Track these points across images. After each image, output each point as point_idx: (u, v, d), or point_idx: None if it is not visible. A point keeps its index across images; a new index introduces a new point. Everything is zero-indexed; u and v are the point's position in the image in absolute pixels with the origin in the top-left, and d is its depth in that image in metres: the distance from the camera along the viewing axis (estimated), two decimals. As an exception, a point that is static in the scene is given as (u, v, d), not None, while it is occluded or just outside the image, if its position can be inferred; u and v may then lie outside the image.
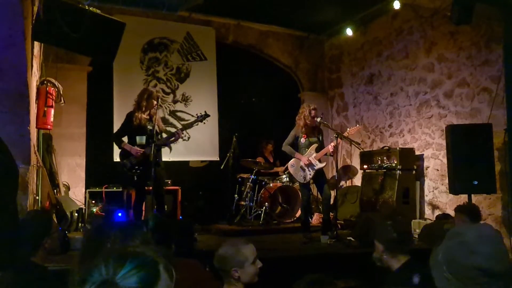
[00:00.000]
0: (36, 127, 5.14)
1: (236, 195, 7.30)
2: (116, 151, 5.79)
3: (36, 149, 5.14)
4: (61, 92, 5.62)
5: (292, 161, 6.05)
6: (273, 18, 8.41)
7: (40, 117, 5.13)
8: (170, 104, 7.91)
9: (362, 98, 8.52)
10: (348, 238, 5.58)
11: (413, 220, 6.27)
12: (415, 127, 7.32)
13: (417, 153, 7.12)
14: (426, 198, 7.00)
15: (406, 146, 7.26)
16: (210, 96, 8.17)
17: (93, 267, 1.06)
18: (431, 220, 6.37)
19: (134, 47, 7.56)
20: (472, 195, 5.60)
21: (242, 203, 7.22)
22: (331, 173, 8.31)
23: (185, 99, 8.04)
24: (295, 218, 7.12)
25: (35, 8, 4.44)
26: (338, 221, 6.14)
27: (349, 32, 8.13)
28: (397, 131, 7.68)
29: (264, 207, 6.99)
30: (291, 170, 6.08)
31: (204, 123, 5.77)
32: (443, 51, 6.82)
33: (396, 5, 6.76)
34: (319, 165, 5.88)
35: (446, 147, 5.90)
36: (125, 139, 5.54)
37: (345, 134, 5.92)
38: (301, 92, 9.33)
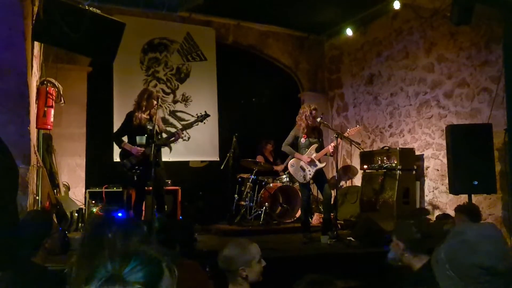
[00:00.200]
0: (36, 127, 5.14)
1: (236, 195, 7.30)
2: (116, 151, 5.79)
3: (36, 149, 5.14)
4: (61, 92, 5.62)
5: (292, 161, 6.05)
6: (273, 19, 8.41)
7: (40, 117, 5.13)
8: (170, 104, 7.91)
9: (362, 98, 8.52)
10: (348, 238, 5.58)
11: (413, 220, 6.27)
12: (415, 127, 7.32)
13: (417, 153, 7.12)
14: (426, 198, 7.00)
15: (406, 146, 7.26)
16: (210, 96, 8.16)
17: (98, 264, 1.08)
18: (431, 220, 6.37)
19: (134, 47, 7.55)
20: (472, 195, 5.61)
21: (242, 203, 7.21)
22: (331, 173, 8.31)
23: (185, 99, 8.04)
24: (295, 218, 7.11)
25: (35, 9, 4.44)
26: (338, 221, 6.14)
27: (349, 32, 8.13)
28: (397, 131, 7.68)
29: (264, 207, 6.98)
30: (291, 170, 6.08)
31: (204, 123, 5.77)
32: (443, 51, 6.83)
33: (396, 6, 6.76)
34: (319, 165, 5.88)
35: (446, 147, 5.91)
36: (125, 139, 5.54)
37: (345, 134, 5.92)
38: (301, 92, 9.33)
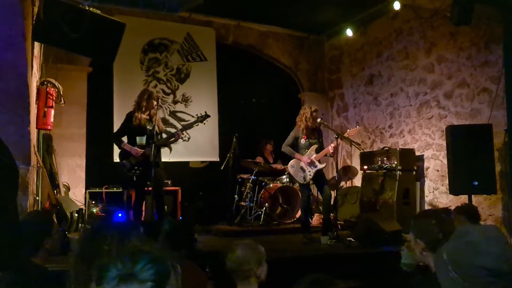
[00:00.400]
0: (36, 128, 5.14)
1: (236, 196, 7.29)
2: (116, 151, 5.79)
3: (36, 149, 5.14)
4: (61, 93, 5.62)
5: (292, 161, 6.05)
6: (273, 19, 8.41)
7: (40, 118, 5.13)
8: (170, 105, 7.91)
9: (362, 99, 8.52)
10: (348, 238, 5.57)
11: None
12: (415, 127, 7.32)
13: (417, 153, 7.12)
14: (426, 199, 7.00)
15: (406, 147, 7.26)
16: (210, 96, 8.16)
17: (107, 264, 1.11)
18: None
19: (134, 48, 7.55)
20: (473, 195, 5.61)
21: (242, 203, 7.21)
22: (331, 174, 8.31)
23: (185, 100, 8.04)
24: (295, 219, 7.11)
25: (35, 9, 4.44)
26: (338, 222, 6.13)
27: (349, 32, 8.13)
28: (397, 131, 7.68)
29: (264, 208, 6.98)
30: (291, 170, 6.07)
31: (204, 123, 5.78)
32: (443, 51, 6.83)
33: (396, 6, 6.76)
34: (319, 166, 5.89)
35: (446, 148, 5.91)
36: (125, 139, 5.54)
37: (345, 134, 5.91)
38: (301, 92, 9.33)
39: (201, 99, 8.05)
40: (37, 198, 4.97)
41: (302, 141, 5.96)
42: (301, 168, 5.92)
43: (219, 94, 8.22)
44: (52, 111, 5.33)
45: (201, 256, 4.11)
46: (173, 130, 5.86)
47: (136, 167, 5.36)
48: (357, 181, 7.76)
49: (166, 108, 7.82)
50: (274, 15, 8.15)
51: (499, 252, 1.29)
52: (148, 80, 7.76)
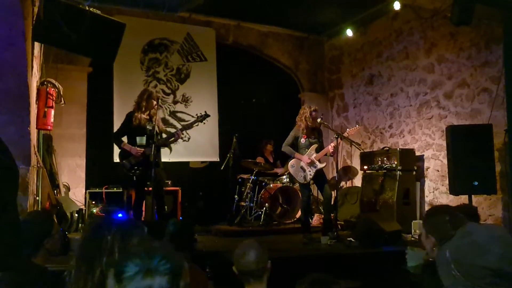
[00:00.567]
0: (37, 128, 5.14)
1: (236, 196, 7.29)
2: (116, 151, 5.79)
3: (36, 149, 5.14)
4: (61, 93, 5.62)
5: (292, 161, 6.05)
6: (273, 19, 8.41)
7: (40, 118, 5.13)
8: (170, 105, 7.91)
9: (362, 99, 8.52)
10: (348, 238, 5.58)
11: (413, 221, 6.28)
12: (415, 127, 7.32)
13: (417, 153, 7.12)
14: (427, 199, 7.00)
15: (406, 147, 7.26)
16: (210, 96, 8.16)
17: (123, 260, 1.17)
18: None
19: (134, 48, 7.55)
20: (473, 196, 5.60)
21: (242, 203, 7.21)
22: (331, 174, 8.31)
23: (185, 100, 8.04)
24: (295, 219, 7.10)
25: (35, 9, 4.44)
26: (338, 222, 6.13)
27: (349, 33, 8.13)
28: (397, 131, 7.68)
29: (264, 208, 6.98)
30: (291, 170, 6.07)
31: (204, 123, 5.78)
32: (443, 52, 6.83)
33: (396, 6, 6.76)
34: (320, 166, 5.89)
35: (447, 148, 5.91)
36: (125, 139, 5.54)
37: (345, 134, 5.91)
38: (301, 92, 9.33)
39: (201, 99, 8.05)
40: (37, 198, 4.97)
41: (302, 140, 5.96)
42: (301, 167, 5.92)
43: (219, 94, 8.22)
44: (52, 111, 5.33)
45: (201, 256, 4.12)
46: (173, 130, 5.85)
47: (136, 167, 5.37)
48: (357, 181, 7.76)
49: (166, 108, 7.82)
50: (274, 15, 8.15)
51: (503, 252, 1.28)
52: (148, 80, 7.76)
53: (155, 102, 5.47)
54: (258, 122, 8.45)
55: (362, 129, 8.05)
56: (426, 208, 6.97)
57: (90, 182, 7.04)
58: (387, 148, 7.15)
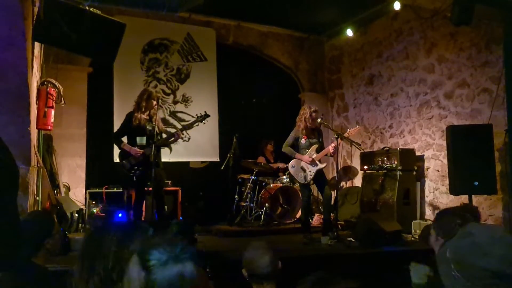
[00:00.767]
0: (37, 128, 5.14)
1: (236, 196, 7.29)
2: (116, 151, 5.79)
3: (36, 149, 5.14)
4: (62, 93, 5.62)
5: (292, 161, 6.05)
6: (273, 19, 8.41)
7: (40, 118, 5.13)
8: (170, 105, 7.91)
9: (363, 99, 8.52)
10: (348, 239, 5.58)
11: (413, 221, 6.28)
12: (415, 127, 7.32)
13: (417, 153, 7.12)
14: (427, 199, 7.00)
15: (407, 147, 7.26)
16: (210, 96, 8.16)
17: (148, 251, 1.22)
18: (432, 221, 6.35)
19: (134, 48, 7.56)
20: (473, 196, 5.60)
21: (243, 203, 7.21)
22: (331, 174, 8.31)
23: (185, 100, 8.04)
24: (295, 219, 7.10)
25: (36, 9, 4.44)
26: (338, 222, 6.13)
27: (349, 33, 8.13)
28: (398, 131, 7.68)
29: (264, 208, 6.98)
30: (291, 170, 6.07)
31: (204, 123, 5.77)
32: (443, 52, 6.83)
33: (396, 6, 6.76)
34: (320, 166, 5.89)
35: (447, 148, 5.91)
36: (125, 139, 5.54)
37: (346, 134, 5.91)
38: (301, 92, 9.33)
39: (201, 99, 8.05)
40: (38, 198, 4.97)
41: (303, 141, 5.96)
42: (302, 168, 5.92)
43: (219, 95, 8.22)
44: (53, 111, 5.33)
45: (201, 256, 4.11)
46: (173, 130, 5.86)
47: (136, 167, 5.37)
48: (358, 181, 7.76)
49: (166, 109, 7.82)
50: (274, 15, 8.15)
51: (503, 254, 1.27)
52: (148, 80, 7.76)
53: (155, 102, 5.47)
54: (258, 122, 8.45)
55: (362, 129, 8.04)
56: (427, 208, 6.97)
57: (90, 182, 7.04)
58: (387, 148, 7.15)
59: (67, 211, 5.89)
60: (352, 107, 8.81)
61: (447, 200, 6.61)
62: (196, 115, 5.76)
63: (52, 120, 5.35)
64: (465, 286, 1.29)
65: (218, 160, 7.82)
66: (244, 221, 7.03)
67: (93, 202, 6.71)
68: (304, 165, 5.90)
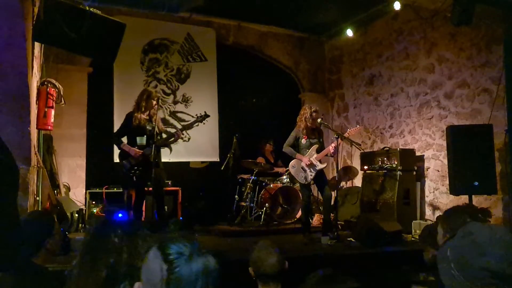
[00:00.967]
0: (37, 128, 5.14)
1: (236, 196, 7.29)
2: (117, 151, 5.80)
3: (36, 150, 5.14)
4: (62, 93, 5.62)
5: (293, 161, 6.05)
6: (273, 19, 8.41)
7: (40, 118, 5.13)
8: (170, 105, 7.92)
9: (363, 99, 8.52)
10: (348, 239, 5.58)
11: (413, 221, 6.28)
12: (415, 128, 7.32)
13: (417, 154, 7.12)
14: (427, 199, 7.00)
15: (407, 147, 7.26)
16: (210, 97, 8.17)
17: (167, 245, 1.25)
18: (432, 221, 6.36)
19: (134, 48, 7.56)
20: (473, 196, 5.60)
21: (243, 204, 7.21)
22: (331, 174, 8.31)
23: (186, 100, 8.05)
24: (295, 219, 7.10)
25: (36, 9, 4.44)
26: (338, 222, 6.13)
27: (349, 33, 8.13)
28: (398, 132, 7.68)
29: (264, 208, 6.98)
30: (292, 171, 6.07)
31: (204, 123, 5.78)
32: (444, 52, 6.82)
33: (397, 6, 6.75)
34: (320, 166, 5.89)
35: (447, 148, 5.90)
36: (125, 139, 5.54)
37: (346, 135, 5.91)
38: (301, 93, 9.33)
39: (201, 100, 8.06)
40: (38, 198, 4.97)
41: (303, 141, 5.96)
42: (302, 168, 5.92)
43: (219, 95, 8.22)
44: (53, 111, 5.33)
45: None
46: (173, 130, 5.86)
47: (136, 167, 5.37)
48: (358, 182, 7.75)
49: (166, 109, 7.82)
50: (274, 15, 8.15)
51: (506, 255, 1.27)
52: (148, 80, 7.76)
53: (154, 102, 5.47)
54: (258, 122, 8.45)
55: (362, 129, 8.04)
56: (427, 208, 6.97)
57: (90, 182, 7.04)
58: (387, 148, 7.15)
59: (67, 211, 5.89)
60: (352, 107, 8.81)
61: (447, 200, 6.60)
62: (196, 115, 5.76)
63: (52, 120, 5.35)
64: (465, 285, 1.29)
65: (218, 160, 7.82)
66: (244, 221, 7.03)
67: (93, 202, 6.71)
68: (304, 165, 5.90)
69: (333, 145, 5.83)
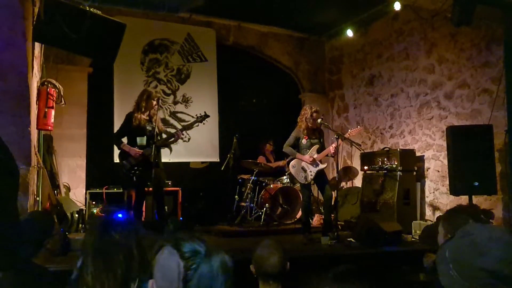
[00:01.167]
0: (37, 128, 5.14)
1: (236, 196, 7.29)
2: (117, 152, 5.80)
3: (36, 150, 5.14)
4: (62, 93, 5.62)
5: (293, 161, 6.05)
6: (273, 19, 8.41)
7: (40, 118, 5.13)
8: (170, 105, 7.92)
9: (363, 99, 8.52)
10: (348, 239, 5.58)
11: (413, 221, 6.28)
12: (415, 128, 7.32)
13: (417, 154, 7.12)
14: (427, 199, 7.00)
15: (407, 147, 7.26)
16: (210, 97, 8.17)
17: (180, 243, 1.28)
18: (432, 221, 6.36)
19: (134, 48, 7.56)
20: (473, 196, 5.60)
21: (243, 204, 7.21)
22: (331, 174, 8.30)
23: (186, 100, 8.05)
24: (295, 219, 7.11)
25: (36, 9, 4.44)
26: (338, 222, 6.13)
27: (349, 33, 8.13)
28: (398, 132, 7.68)
29: (264, 208, 6.98)
30: (292, 170, 6.07)
31: (204, 123, 5.78)
32: (444, 52, 6.82)
33: (397, 6, 6.75)
34: (321, 166, 5.89)
35: (447, 148, 5.90)
36: (125, 140, 5.54)
37: (346, 135, 5.91)
38: (301, 93, 9.33)
39: (201, 100, 8.06)
40: (38, 198, 4.97)
41: (304, 141, 5.95)
42: (303, 168, 5.92)
43: (220, 95, 8.22)
44: (53, 112, 5.33)
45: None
46: (173, 131, 5.86)
47: (136, 168, 5.37)
48: (358, 182, 7.76)
49: (166, 109, 7.82)
50: (274, 16, 8.15)
51: (504, 255, 1.26)
52: (148, 80, 7.76)
53: (154, 102, 5.47)
54: (258, 123, 8.45)
55: (362, 130, 8.04)
56: (427, 208, 6.97)
57: (90, 183, 7.04)
58: (388, 149, 7.15)
59: (67, 211, 5.89)
60: (352, 108, 8.80)
61: (447, 201, 6.60)
62: (196, 115, 5.76)
63: (52, 120, 5.35)
64: (463, 286, 1.29)
65: (218, 160, 7.82)
66: (244, 221, 7.03)
67: (93, 203, 6.71)
68: (305, 165, 5.90)
69: (333, 145, 5.83)
